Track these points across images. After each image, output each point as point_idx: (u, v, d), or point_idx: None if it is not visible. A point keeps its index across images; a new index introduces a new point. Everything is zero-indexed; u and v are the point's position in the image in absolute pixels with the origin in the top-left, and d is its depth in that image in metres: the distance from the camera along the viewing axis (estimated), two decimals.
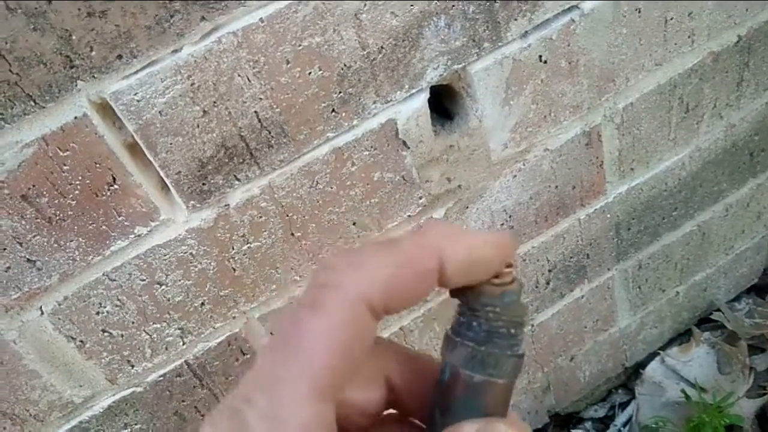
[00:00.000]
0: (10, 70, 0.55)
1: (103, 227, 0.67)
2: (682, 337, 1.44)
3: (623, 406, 1.41)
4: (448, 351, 0.29)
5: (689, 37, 0.91)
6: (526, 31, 0.78)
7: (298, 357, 0.23)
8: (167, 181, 0.68)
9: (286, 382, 0.23)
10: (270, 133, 0.69)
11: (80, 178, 0.63)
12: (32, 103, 0.58)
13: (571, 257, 1.08)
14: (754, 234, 1.34)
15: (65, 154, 0.61)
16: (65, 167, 0.62)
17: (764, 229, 1.35)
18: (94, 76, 0.59)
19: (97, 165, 0.63)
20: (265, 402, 0.23)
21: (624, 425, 1.37)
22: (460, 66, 0.76)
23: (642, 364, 1.42)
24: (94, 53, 0.57)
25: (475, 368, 0.27)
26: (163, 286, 0.74)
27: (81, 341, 0.73)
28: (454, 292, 0.29)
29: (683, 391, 1.29)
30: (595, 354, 1.32)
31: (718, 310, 1.43)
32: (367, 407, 0.29)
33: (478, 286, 0.29)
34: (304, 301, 0.24)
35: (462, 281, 0.27)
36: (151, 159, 0.65)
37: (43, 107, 0.58)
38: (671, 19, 0.88)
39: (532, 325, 1.15)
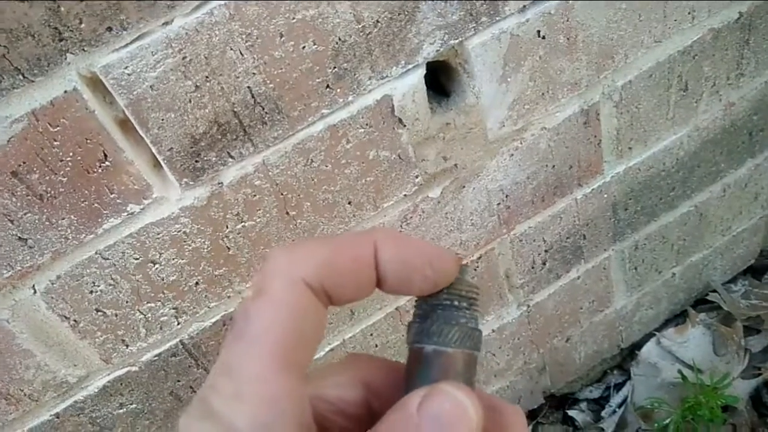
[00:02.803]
0: None
1: (95, 205, 0.66)
2: (677, 318, 1.44)
3: (618, 387, 1.42)
4: (407, 336, 0.31)
5: (689, 13, 0.90)
6: (525, 6, 0.76)
7: (250, 340, 0.25)
8: (159, 158, 0.67)
9: (244, 365, 0.25)
10: (263, 109, 0.68)
11: (71, 154, 0.62)
12: (21, 76, 0.56)
13: (567, 238, 1.08)
14: (752, 215, 1.34)
15: (55, 129, 0.60)
16: (56, 143, 0.61)
17: (761, 210, 1.34)
18: (83, 49, 0.57)
19: (88, 141, 0.62)
20: (228, 386, 0.25)
21: (619, 406, 1.38)
22: (457, 41, 0.75)
23: (638, 345, 1.42)
24: (83, 25, 0.56)
25: (422, 340, 0.29)
26: (157, 265, 0.74)
27: (75, 320, 0.73)
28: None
29: (680, 371, 1.29)
30: (591, 335, 1.32)
31: (714, 291, 1.43)
32: (343, 406, 0.30)
33: None
34: (251, 292, 0.27)
35: (399, 275, 0.29)
36: (143, 135, 0.64)
37: (32, 81, 0.57)
38: None
39: (528, 306, 1.14)
